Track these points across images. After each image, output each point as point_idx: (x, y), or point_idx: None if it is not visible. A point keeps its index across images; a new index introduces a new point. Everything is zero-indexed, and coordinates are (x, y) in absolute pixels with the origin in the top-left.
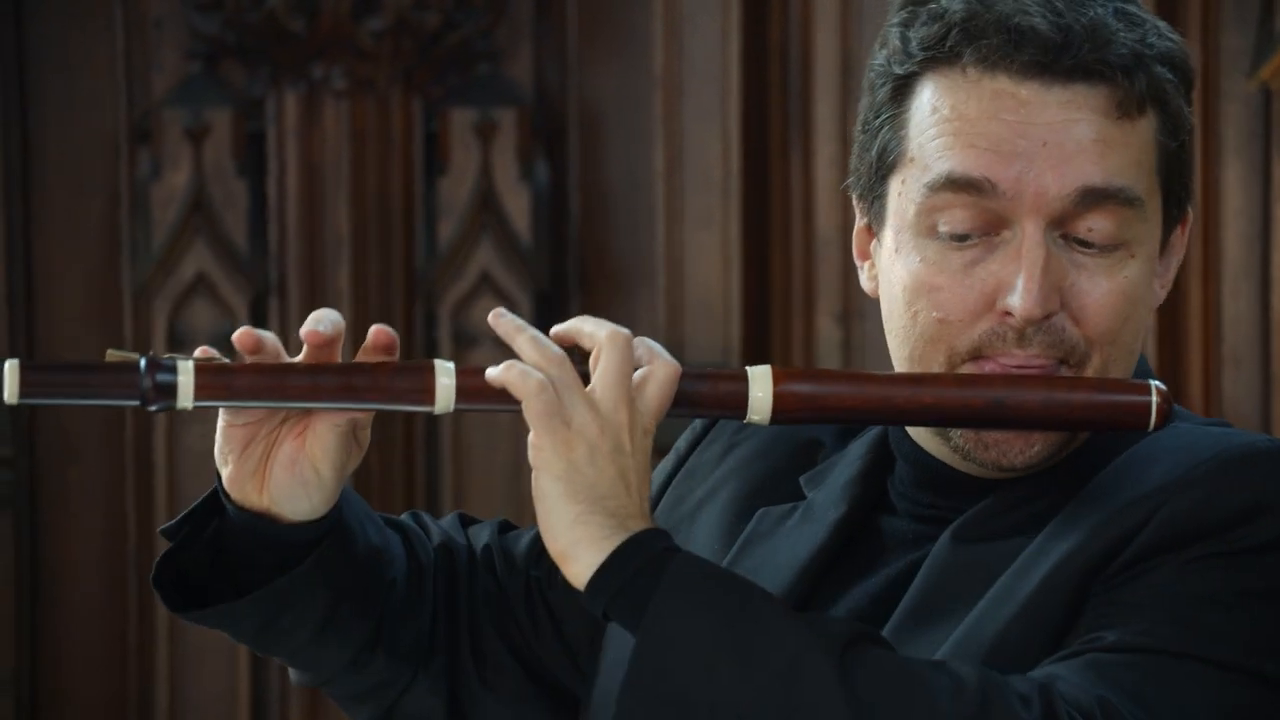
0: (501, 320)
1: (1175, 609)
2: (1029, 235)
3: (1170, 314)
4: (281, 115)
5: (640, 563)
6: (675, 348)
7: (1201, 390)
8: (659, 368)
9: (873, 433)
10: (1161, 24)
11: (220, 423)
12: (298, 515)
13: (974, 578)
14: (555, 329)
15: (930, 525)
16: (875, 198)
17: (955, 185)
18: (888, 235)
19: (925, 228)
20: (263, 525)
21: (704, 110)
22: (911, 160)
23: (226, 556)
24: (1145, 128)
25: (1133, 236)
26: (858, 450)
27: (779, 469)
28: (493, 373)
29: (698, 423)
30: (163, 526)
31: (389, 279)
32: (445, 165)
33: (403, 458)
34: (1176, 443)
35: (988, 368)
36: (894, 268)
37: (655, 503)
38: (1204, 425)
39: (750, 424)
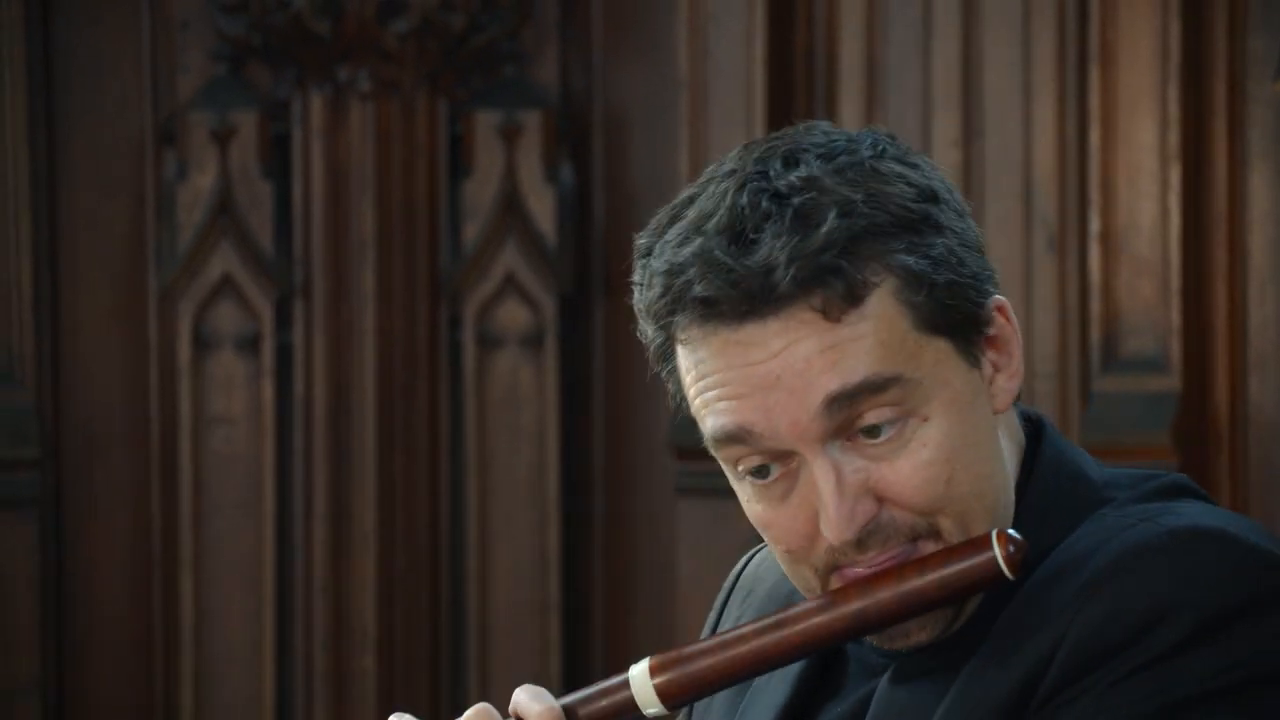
0: None
1: None
2: (813, 462)
3: (1196, 317)
4: (307, 117)
5: None
6: None
7: (1227, 395)
8: (538, 719)
9: None
10: (859, 193)
11: None
12: None
13: (910, 718)
14: None
15: (889, 657)
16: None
17: (721, 442)
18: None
19: (732, 472)
20: None
21: (728, 113)
22: (695, 416)
23: None
24: (877, 304)
25: (915, 403)
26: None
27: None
28: None
29: (731, 575)
30: None
31: (414, 281)
32: (470, 167)
33: (428, 464)
34: (1085, 548)
35: (849, 574)
36: (744, 508)
37: None
38: (1124, 512)
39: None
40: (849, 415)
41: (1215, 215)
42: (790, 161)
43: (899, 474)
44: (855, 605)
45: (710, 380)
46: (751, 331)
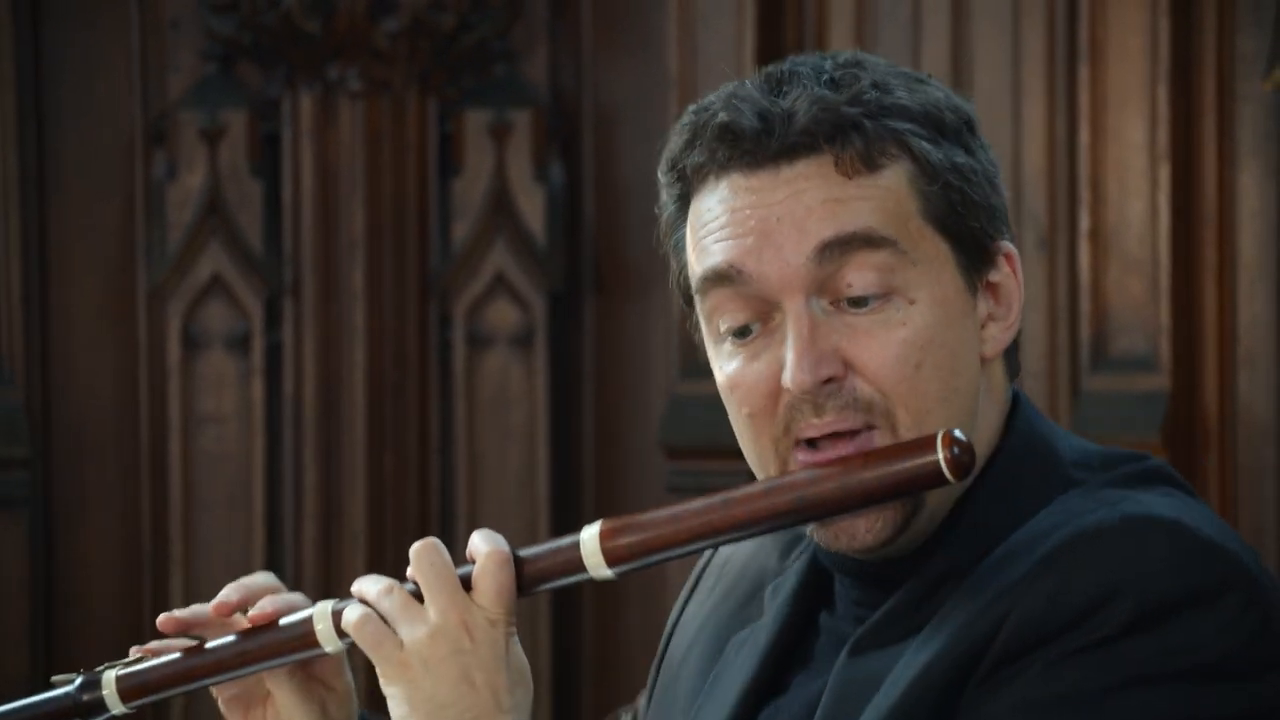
0: (354, 586)
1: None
2: (790, 310)
3: (1185, 316)
4: (297, 116)
5: None
6: (690, 348)
7: (1216, 392)
8: (486, 559)
9: (810, 546)
10: (898, 81)
11: (219, 701)
12: None
13: (863, 693)
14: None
15: (861, 624)
16: (695, 327)
17: (712, 281)
18: (706, 351)
19: (714, 333)
20: None
21: None
22: (692, 275)
23: None
24: (890, 178)
25: (903, 282)
26: (798, 566)
27: (745, 595)
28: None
29: (696, 566)
30: None
31: (403, 280)
32: (460, 166)
33: (418, 463)
34: (1047, 526)
35: (804, 460)
36: (716, 378)
37: (660, 660)
38: (1091, 495)
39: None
40: (837, 269)
41: (1204, 214)
42: (847, 59)
43: (874, 341)
44: (799, 490)
45: (713, 224)
46: (764, 178)
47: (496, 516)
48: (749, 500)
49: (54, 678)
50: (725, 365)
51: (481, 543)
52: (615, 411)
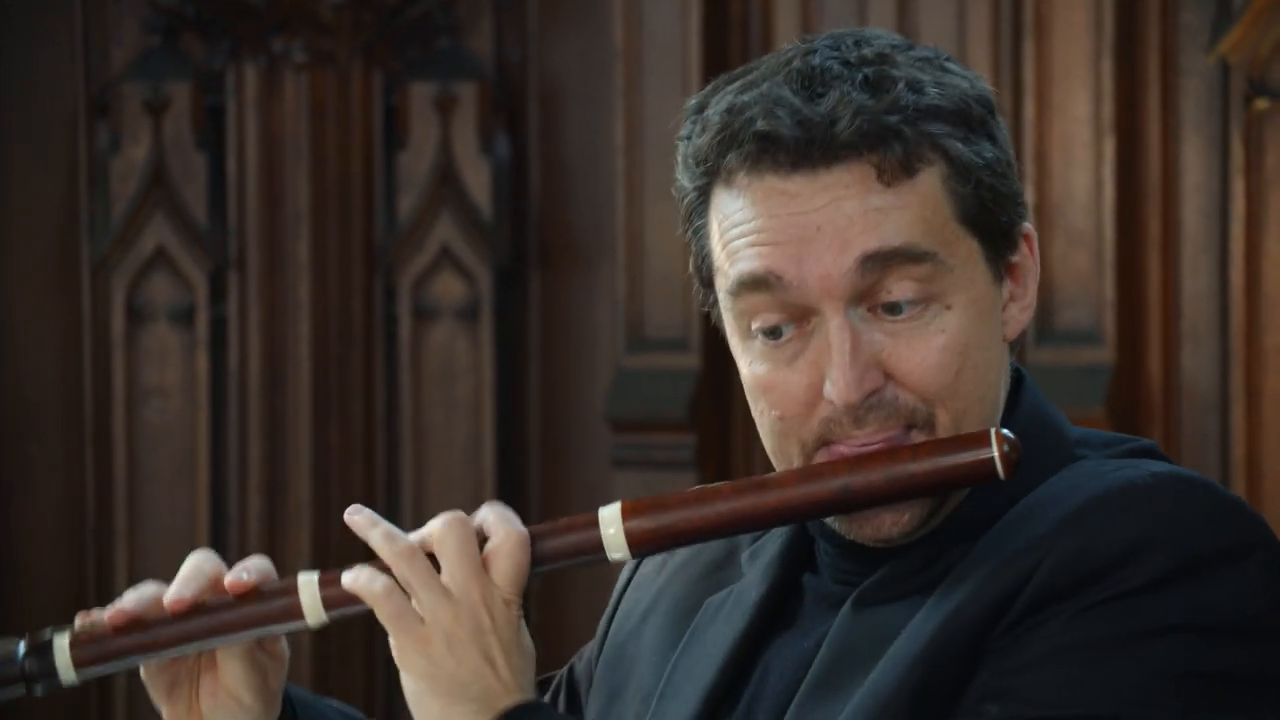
0: (355, 517)
1: (1066, 665)
2: (830, 321)
3: (1129, 290)
4: (241, 89)
5: None
6: (635, 322)
7: (1160, 366)
8: (504, 539)
9: None
10: (927, 76)
11: (141, 671)
12: None
13: (873, 643)
14: (410, 538)
15: (851, 587)
16: (712, 305)
17: (747, 286)
18: (729, 339)
19: (743, 330)
20: None
21: (664, 83)
22: (719, 270)
23: None
24: (927, 183)
25: (941, 289)
26: (779, 529)
27: (716, 559)
28: (345, 579)
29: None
30: None
31: (348, 253)
32: (405, 139)
33: (363, 436)
34: (1065, 486)
35: (837, 451)
36: (741, 370)
37: (611, 616)
38: (1103, 461)
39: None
40: (878, 280)
41: (1148, 187)
42: (862, 41)
43: (915, 352)
44: (842, 478)
45: (747, 226)
46: (800, 182)
47: (442, 489)
48: (785, 486)
49: None
50: (756, 365)
51: (496, 521)
52: (561, 385)
